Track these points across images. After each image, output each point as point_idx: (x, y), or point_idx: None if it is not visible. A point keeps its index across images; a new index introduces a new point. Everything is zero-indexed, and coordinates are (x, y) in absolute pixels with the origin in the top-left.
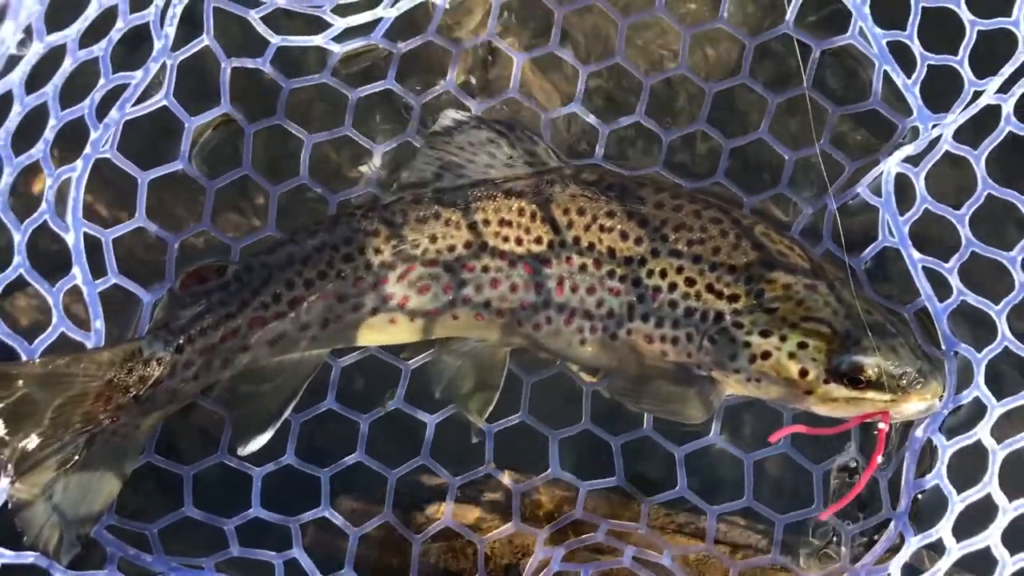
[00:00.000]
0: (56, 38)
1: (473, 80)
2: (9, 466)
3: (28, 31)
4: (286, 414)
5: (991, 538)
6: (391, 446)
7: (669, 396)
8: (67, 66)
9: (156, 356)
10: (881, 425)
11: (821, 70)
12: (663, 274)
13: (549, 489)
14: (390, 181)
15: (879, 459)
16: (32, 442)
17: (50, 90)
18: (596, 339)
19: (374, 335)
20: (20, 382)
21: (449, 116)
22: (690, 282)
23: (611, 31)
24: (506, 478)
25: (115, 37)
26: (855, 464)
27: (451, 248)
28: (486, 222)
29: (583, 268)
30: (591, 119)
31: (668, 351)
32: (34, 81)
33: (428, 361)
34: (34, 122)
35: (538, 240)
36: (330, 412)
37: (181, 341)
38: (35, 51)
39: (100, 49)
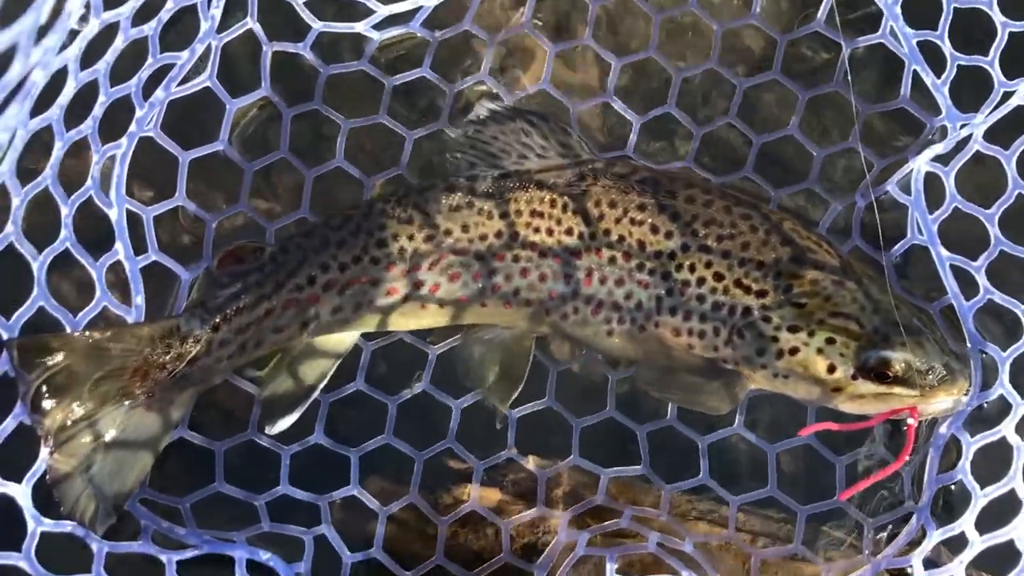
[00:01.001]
0: (111, 15)
1: (507, 72)
2: (49, 437)
3: (88, 6)
4: (316, 394)
5: (1015, 531)
6: (416, 432)
7: (694, 388)
8: (119, 44)
9: (193, 334)
10: (910, 421)
11: (851, 66)
12: (692, 268)
13: (570, 474)
14: (424, 169)
15: (908, 455)
16: (71, 414)
17: (102, 67)
18: (623, 331)
19: (404, 320)
20: (63, 354)
21: (484, 106)
22: (719, 277)
23: (642, 26)
24: (530, 463)
25: (164, 17)
26: (880, 458)
27: (483, 237)
28: (518, 212)
29: (613, 260)
30: (625, 111)
31: (695, 344)
32: (87, 58)
33: (455, 347)
34: (84, 99)
35: (569, 231)
36: (356, 397)
37: (217, 320)
38: (92, 27)
39: (150, 28)
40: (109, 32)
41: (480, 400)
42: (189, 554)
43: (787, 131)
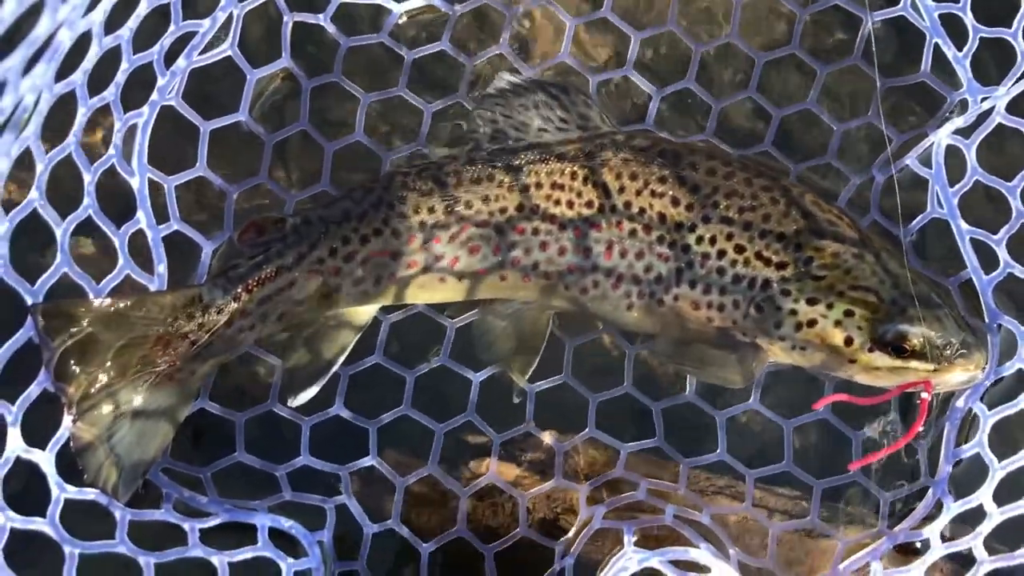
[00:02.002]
0: None
1: (527, 45)
2: (73, 404)
3: None
4: (336, 367)
5: None
6: (431, 406)
7: (712, 360)
8: (142, 9)
9: (215, 303)
10: (924, 395)
11: (870, 42)
12: (712, 240)
13: (586, 450)
14: (444, 142)
15: (920, 428)
16: (95, 382)
17: (125, 33)
18: (643, 304)
19: (424, 293)
20: (86, 321)
21: (504, 78)
22: (739, 249)
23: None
24: (547, 437)
25: None
26: (895, 432)
27: (502, 210)
28: (538, 185)
29: (633, 233)
30: (644, 84)
31: (714, 317)
32: (111, 23)
33: (473, 321)
34: (107, 65)
35: (589, 204)
36: (375, 371)
37: (239, 290)
38: None
39: None
40: None
41: (497, 375)
42: (211, 522)
43: (805, 105)
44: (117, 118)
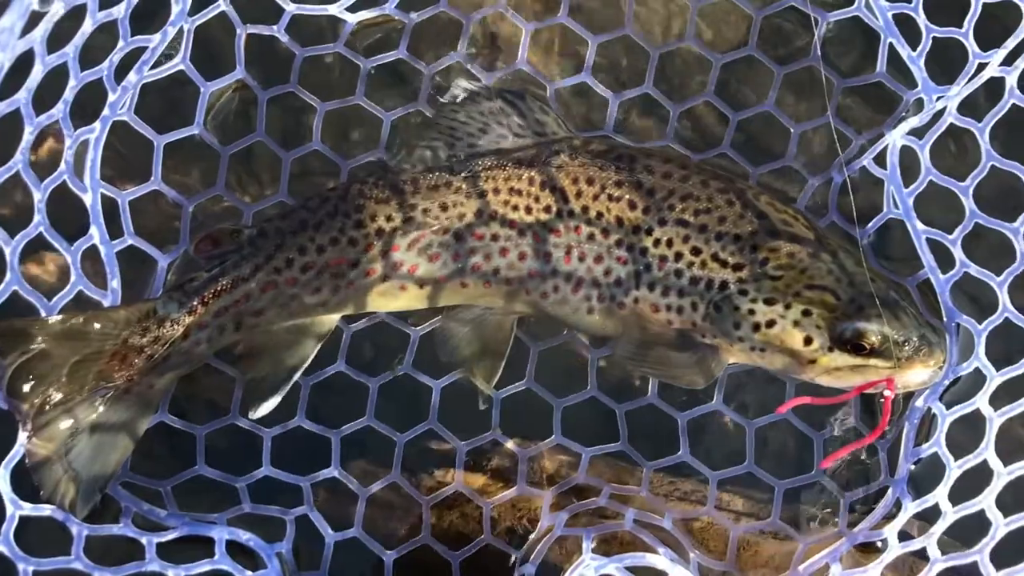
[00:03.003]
0: None
1: (482, 52)
2: (27, 421)
3: None
4: (296, 377)
5: (985, 502)
6: (400, 414)
7: (672, 362)
8: (87, 27)
9: (170, 317)
10: (887, 392)
11: (827, 43)
12: (669, 243)
13: (553, 455)
14: (401, 150)
15: (885, 426)
16: (49, 398)
17: (70, 50)
18: (603, 307)
19: (384, 301)
20: (39, 338)
21: (460, 86)
22: (696, 251)
23: (620, 4)
24: (511, 444)
25: (134, 1)
26: (857, 431)
27: (461, 216)
28: (496, 191)
29: (591, 237)
30: (601, 89)
31: (673, 319)
32: (55, 42)
33: (435, 328)
34: (54, 83)
35: (547, 209)
36: (340, 382)
37: (195, 303)
38: (56, 10)
39: (119, 11)
40: (76, 15)
41: (464, 382)
42: (169, 535)
43: (764, 107)
44: (68, 135)
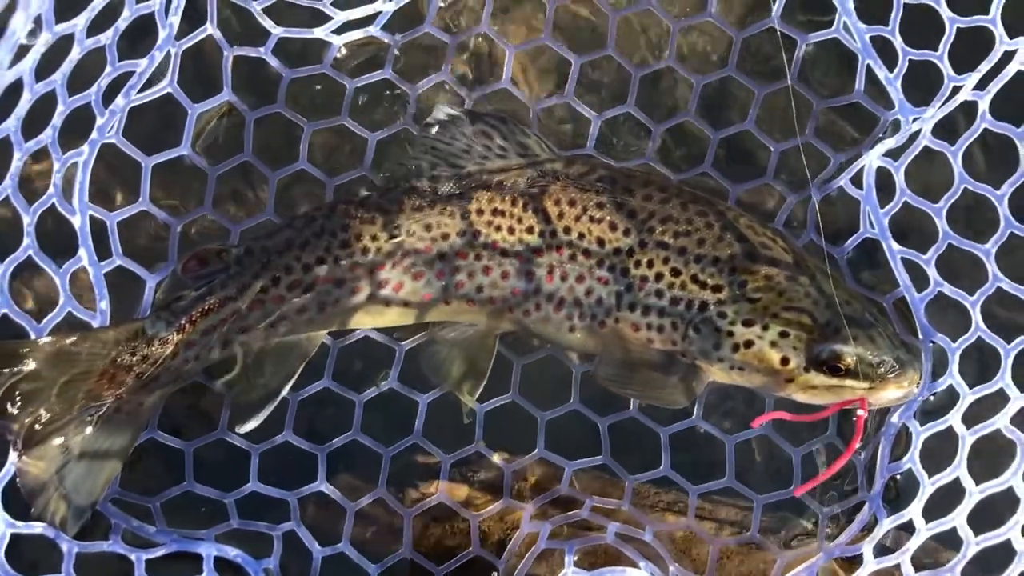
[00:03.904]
0: (64, 27)
1: (468, 73)
2: (18, 441)
3: (38, 21)
4: (283, 393)
5: (957, 519)
6: (387, 429)
7: (654, 382)
8: (75, 55)
9: (159, 336)
10: (860, 412)
11: (806, 64)
12: (650, 264)
13: (538, 468)
14: (386, 171)
15: (857, 444)
16: (39, 418)
17: (58, 78)
18: (585, 326)
19: (369, 319)
20: (29, 359)
21: (443, 110)
22: (676, 272)
23: (601, 25)
24: (496, 457)
25: (121, 26)
26: (834, 447)
27: (445, 236)
28: (480, 212)
29: (573, 257)
30: (584, 110)
31: (654, 339)
32: (43, 69)
33: (419, 344)
34: (43, 109)
35: (530, 230)
36: (327, 397)
37: (183, 322)
38: (44, 40)
39: (107, 38)
40: (64, 44)
41: (448, 396)
42: (158, 552)
43: (743, 126)
44: (56, 159)
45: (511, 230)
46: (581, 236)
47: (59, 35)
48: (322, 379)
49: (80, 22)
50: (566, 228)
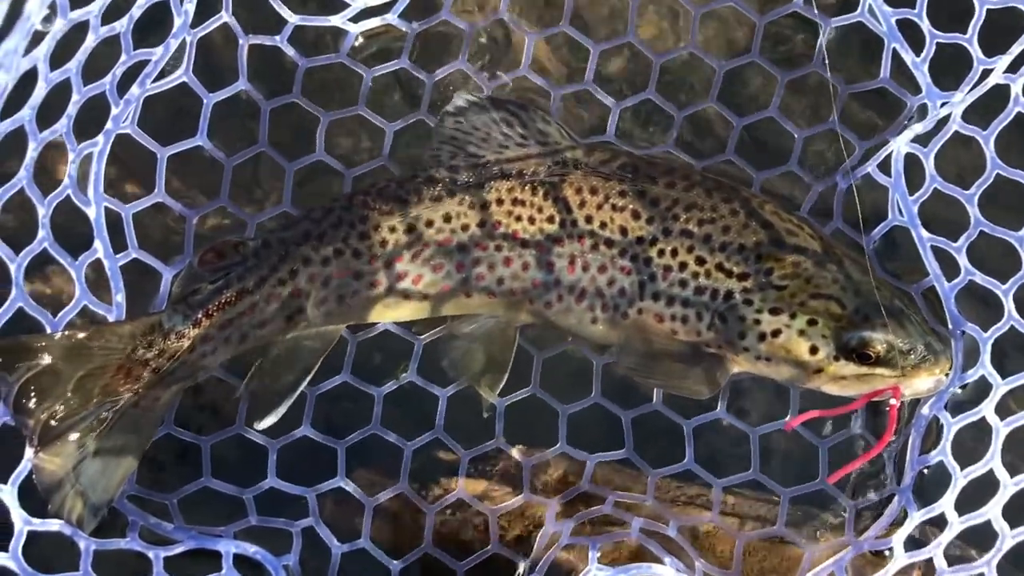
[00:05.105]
0: (79, 14)
1: (486, 60)
2: (34, 437)
3: (52, 7)
4: (302, 388)
5: (991, 512)
6: (405, 423)
7: (677, 373)
8: (90, 43)
9: (176, 330)
10: (893, 401)
11: (829, 50)
12: (674, 253)
13: (558, 462)
14: (404, 160)
15: (891, 436)
16: (55, 413)
17: (73, 66)
18: (607, 317)
19: (388, 312)
20: (44, 354)
21: (462, 97)
22: (700, 261)
23: (623, 11)
24: (516, 452)
25: (136, 14)
26: (863, 441)
27: (464, 227)
28: (499, 201)
29: (595, 247)
30: (603, 97)
31: (678, 330)
32: (58, 57)
33: (439, 338)
34: (57, 98)
35: (550, 219)
36: (346, 391)
37: (200, 315)
38: (59, 27)
39: (121, 26)
40: (79, 31)
41: (467, 390)
42: (176, 549)
43: (767, 113)
44: (71, 149)
45: (531, 220)
46: (603, 225)
47: (74, 22)
48: (341, 373)
49: (95, 9)
50: (587, 217)
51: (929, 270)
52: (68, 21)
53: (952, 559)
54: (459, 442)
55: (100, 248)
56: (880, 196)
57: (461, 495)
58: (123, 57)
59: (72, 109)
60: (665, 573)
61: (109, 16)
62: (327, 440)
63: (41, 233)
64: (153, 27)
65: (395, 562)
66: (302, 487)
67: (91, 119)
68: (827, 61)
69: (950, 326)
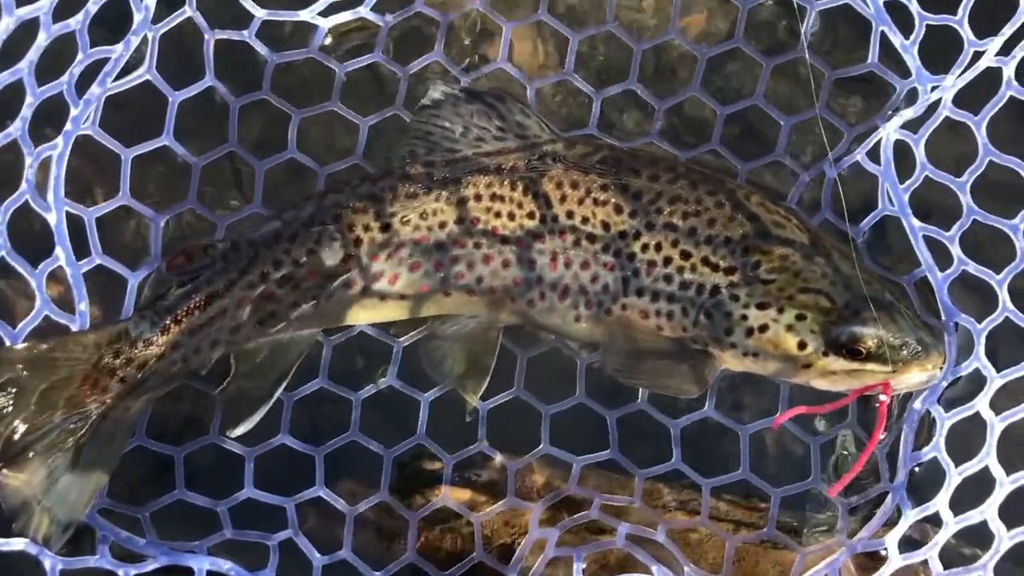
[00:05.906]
0: (27, 11)
1: (462, 52)
2: None
3: None
4: (277, 394)
5: (987, 512)
6: (386, 428)
7: (663, 371)
8: (41, 41)
9: (143, 337)
10: (882, 397)
11: (817, 33)
12: (658, 248)
13: (544, 467)
14: (379, 156)
15: (881, 434)
16: (19, 427)
17: (25, 66)
18: (591, 315)
19: (365, 313)
20: (4, 367)
21: (438, 89)
22: (685, 255)
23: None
24: (499, 456)
25: (92, 9)
26: (854, 437)
27: (442, 224)
28: (478, 197)
29: (577, 243)
30: (583, 86)
31: (663, 326)
32: (7, 58)
33: (420, 339)
34: (11, 100)
35: (531, 215)
36: (324, 396)
37: (168, 322)
38: (4, 26)
39: (76, 23)
40: (30, 28)
41: (448, 394)
42: (148, 567)
43: (752, 101)
44: (28, 153)
45: (511, 216)
46: (585, 220)
47: (21, 20)
48: (318, 378)
49: (45, 5)
50: (568, 212)
51: (921, 260)
52: (15, 19)
53: (948, 561)
54: (442, 447)
55: (62, 255)
56: (870, 184)
57: (445, 501)
58: (80, 55)
59: (27, 111)
60: None
61: (63, 13)
62: (305, 448)
63: None
64: (113, 23)
65: (377, 573)
66: (281, 497)
67: (49, 120)
68: (809, 43)
69: (943, 318)
